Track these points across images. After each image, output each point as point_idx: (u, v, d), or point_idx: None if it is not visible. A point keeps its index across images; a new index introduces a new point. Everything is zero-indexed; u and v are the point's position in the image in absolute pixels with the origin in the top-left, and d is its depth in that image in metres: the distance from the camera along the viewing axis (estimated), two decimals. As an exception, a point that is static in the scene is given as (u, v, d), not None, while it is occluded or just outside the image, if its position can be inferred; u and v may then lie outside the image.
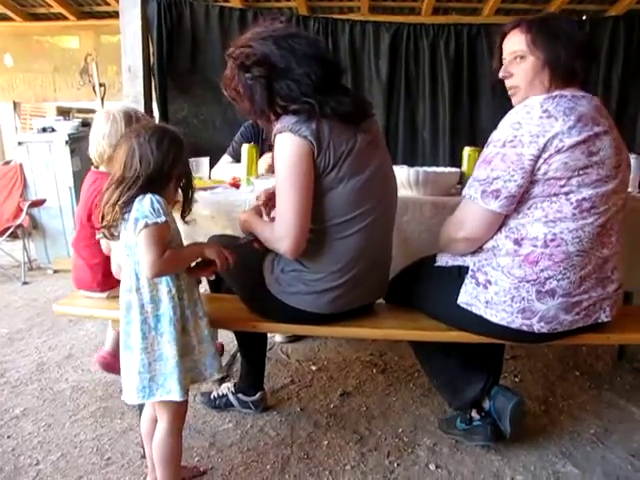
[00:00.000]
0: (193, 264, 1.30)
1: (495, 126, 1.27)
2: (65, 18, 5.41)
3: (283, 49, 1.22)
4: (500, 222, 1.26)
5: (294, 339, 2.34)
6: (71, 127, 3.67)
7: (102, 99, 4.89)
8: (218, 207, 1.70)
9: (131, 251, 1.19)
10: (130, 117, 1.63)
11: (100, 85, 4.88)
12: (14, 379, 2.01)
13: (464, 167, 1.89)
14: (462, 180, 1.85)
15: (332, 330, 1.43)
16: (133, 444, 1.59)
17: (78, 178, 3.39)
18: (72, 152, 3.54)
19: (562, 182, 1.19)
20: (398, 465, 1.51)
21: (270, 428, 1.68)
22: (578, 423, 1.70)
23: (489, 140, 1.26)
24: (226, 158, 2.34)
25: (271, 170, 1.67)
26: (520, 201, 1.23)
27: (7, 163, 3.93)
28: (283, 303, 1.36)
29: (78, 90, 5.74)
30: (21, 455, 1.55)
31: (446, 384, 1.59)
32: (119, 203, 1.16)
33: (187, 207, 1.32)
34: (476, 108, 3.06)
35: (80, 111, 5.16)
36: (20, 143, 3.61)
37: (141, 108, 2.64)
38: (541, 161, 1.17)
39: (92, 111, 4.75)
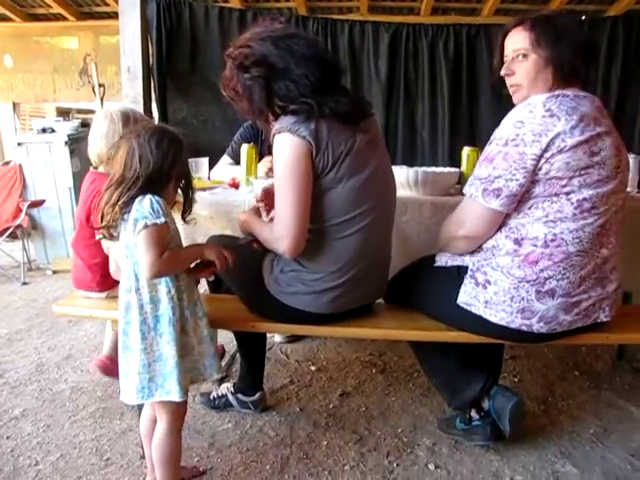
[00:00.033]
0: (192, 265, 1.30)
1: (494, 126, 1.27)
2: (64, 19, 5.41)
3: (282, 49, 1.22)
4: (500, 221, 1.26)
5: (293, 339, 2.34)
6: (70, 128, 3.67)
7: (101, 100, 4.88)
8: (217, 207, 1.70)
9: (130, 251, 1.19)
10: (128, 117, 1.63)
11: (99, 86, 4.88)
12: (13, 380, 2.01)
13: (463, 167, 1.89)
14: (461, 180, 1.85)
15: (331, 330, 1.43)
16: (132, 444, 1.59)
17: (78, 179, 3.38)
18: (71, 153, 3.54)
19: (563, 182, 1.19)
20: (397, 465, 1.51)
21: (269, 428, 1.68)
22: (577, 423, 1.71)
23: (491, 138, 1.25)
24: (225, 159, 2.34)
25: (271, 173, 1.67)
26: (521, 200, 1.23)
27: (7, 164, 3.93)
28: (282, 303, 1.36)
29: (77, 91, 5.74)
30: (20, 456, 1.55)
31: (445, 384, 1.59)
32: (119, 203, 1.17)
33: (187, 207, 1.32)
34: (475, 108, 3.07)
35: (79, 112, 5.17)
36: (20, 144, 3.61)
37: (140, 108, 2.64)
38: (543, 160, 1.17)
39: (92, 112, 4.76)
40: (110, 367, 1.82)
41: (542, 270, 1.23)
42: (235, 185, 1.91)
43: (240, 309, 1.48)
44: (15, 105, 5.64)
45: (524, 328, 1.27)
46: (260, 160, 1.99)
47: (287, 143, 1.21)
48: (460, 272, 1.34)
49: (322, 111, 1.21)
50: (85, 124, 3.75)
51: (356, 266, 1.32)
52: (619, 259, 1.32)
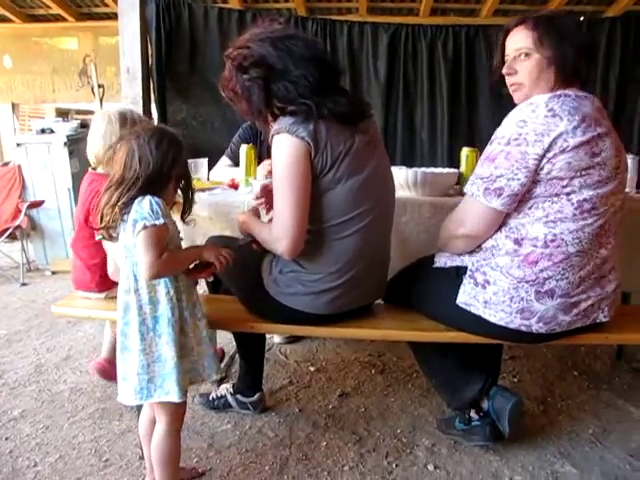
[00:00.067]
0: (191, 265, 1.30)
1: (493, 127, 1.27)
2: (64, 19, 5.42)
3: (281, 50, 1.22)
4: (500, 221, 1.26)
5: (292, 340, 2.34)
6: (70, 128, 3.67)
7: (101, 100, 4.89)
8: (216, 208, 1.70)
9: (129, 252, 1.19)
10: (125, 118, 1.63)
11: (99, 86, 4.89)
12: (12, 381, 2.01)
13: (462, 168, 1.89)
14: (460, 181, 1.85)
15: (330, 331, 1.43)
16: (131, 445, 1.59)
17: (77, 179, 3.38)
18: (71, 153, 3.54)
19: (564, 182, 1.19)
20: (397, 466, 1.51)
21: (269, 429, 1.68)
22: (576, 423, 1.71)
23: (492, 137, 1.25)
24: (224, 160, 2.34)
25: (270, 176, 1.67)
26: (521, 200, 1.23)
27: (6, 164, 3.93)
28: (281, 304, 1.36)
29: (77, 91, 5.74)
30: (19, 457, 1.54)
31: (445, 384, 1.59)
32: (119, 204, 1.17)
33: (187, 208, 1.32)
34: (474, 109, 3.07)
35: (79, 112, 5.17)
36: (19, 144, 3.61)
37: (140, 109, 2.64)
38: (545, 160, 1.17)
39: (91, 112, 4.76)
40: (108, 370, 1.82)
41: (542, 270, 1.23)
42: (234, 186, 1.91)
43: (239, 310, 1.47)
44: (14, 106, 5.64)
45: (523, 328, 1.27)
46: (259, 162, 1.99)
47: (286, 144, 1.22)
48: (459, 273, 1.34)
49: (321, 112, 1.21)
50: (84, 125, 3.75)
51: (355, 267, 1.32)
52: (618, 259, 1.32)
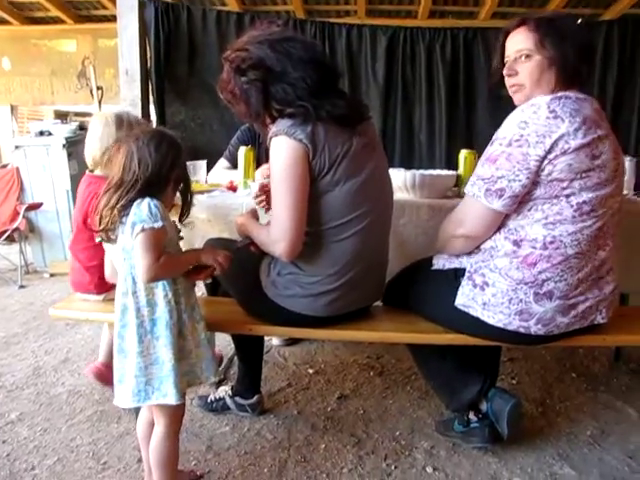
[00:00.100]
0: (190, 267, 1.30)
1: (491, 129, 1.27)
2: (63, 22, 5.41)
3: (279, 53, 1.23)
4: (500, 222, 1.26)
5: (291, 342, 2.34)
6: (68, 130, 3.67)
7: (99, 102, 4.89)
8: (215, 210, 1.70)
9: (128, 255, 1.19)
10: (121, 120, 1.64)
11: (98, 88, 4.89)
12: (10, 383, 2.01)
13: (460, 170, 1.89)
14: (458, 183, 1.86)
15: (329, 333, 1.43)
16: (130, 448, 1.58)
17: (75, 181, 3.36)
18: (69, 155, 3.54)
19: (564, 184, 1.19)
20: (395, 468, 1.50)
21: (267, 431, 1.68)
22: (575, 425, 1.71)
23: (493, 138, 1.25)
24: (222, 162, 2.34)
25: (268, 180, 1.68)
26: (521, 202, 1.23)
27: (4, 166, 3.93)
28: (279, 306, 1.36)
29: (75, 93, 5.73)
30: (17, 460, 1.54)
31: (443, 386, 1.59)
32: (117, 206, 1.17)
33: (185, 211, 1.32)
34: (472, 111, 3.08)
35: (77, 114, 5.18)
36: (17, 146, 3.60)
37: (138, 111, 2.65)
38: (546, 162, 1.17)
39: (89, 114, 4.77)
40: (105, 374, 1.81)
41: (540, 272, 1.23)
42: (233, 188, 1.91)
43: (237, 312, 1.47)
44: (13, 108, 5.64)
45: (522, 330, 1.27)
46: (258, 164, 1.99)
47: (284, 146, 1.22)
48: (457, 274, 1.34)
49: (319, 114, 1.21)
50: (83, 127, 3.75)
51: (353, 269, 1.32)
52: (616, 261, 1.32)
